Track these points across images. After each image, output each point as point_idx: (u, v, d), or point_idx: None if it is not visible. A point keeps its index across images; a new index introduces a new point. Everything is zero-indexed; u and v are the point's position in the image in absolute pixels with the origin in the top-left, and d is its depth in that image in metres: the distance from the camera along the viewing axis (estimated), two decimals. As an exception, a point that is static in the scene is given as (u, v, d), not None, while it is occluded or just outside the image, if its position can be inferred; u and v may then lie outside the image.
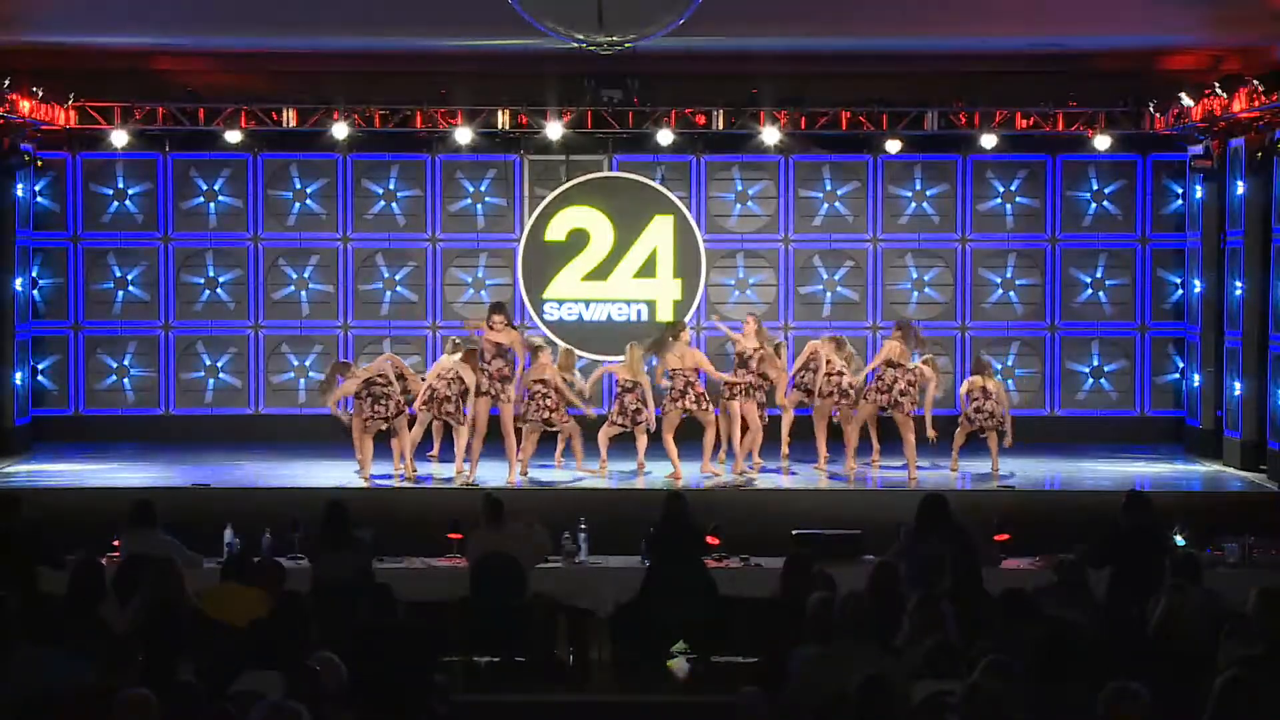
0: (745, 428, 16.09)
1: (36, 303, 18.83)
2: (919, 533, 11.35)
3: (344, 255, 19.04)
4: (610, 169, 18.96)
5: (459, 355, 15.69)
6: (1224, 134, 17.29)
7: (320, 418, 18.36)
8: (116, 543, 12.03)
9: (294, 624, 8.52)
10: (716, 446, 16.12)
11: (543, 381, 15.79)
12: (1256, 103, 15.79)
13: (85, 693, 7.54)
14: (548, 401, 15.75)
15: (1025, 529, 13.14)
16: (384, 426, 15.59)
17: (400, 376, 15.72)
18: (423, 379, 15.92)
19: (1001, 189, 19.05)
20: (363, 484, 15.51)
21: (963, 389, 16.47)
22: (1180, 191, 18.88)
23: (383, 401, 15.51)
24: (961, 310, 18.98)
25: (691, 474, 15.90)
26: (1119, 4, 15.42)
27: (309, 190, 19.06)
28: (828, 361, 16.10)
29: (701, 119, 18.16)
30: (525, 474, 15.89)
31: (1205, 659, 8.42)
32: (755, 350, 16.06)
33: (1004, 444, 16.14)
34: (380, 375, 15.56)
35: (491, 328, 15.70)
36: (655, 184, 18.93)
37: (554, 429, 16.02)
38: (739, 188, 19.07)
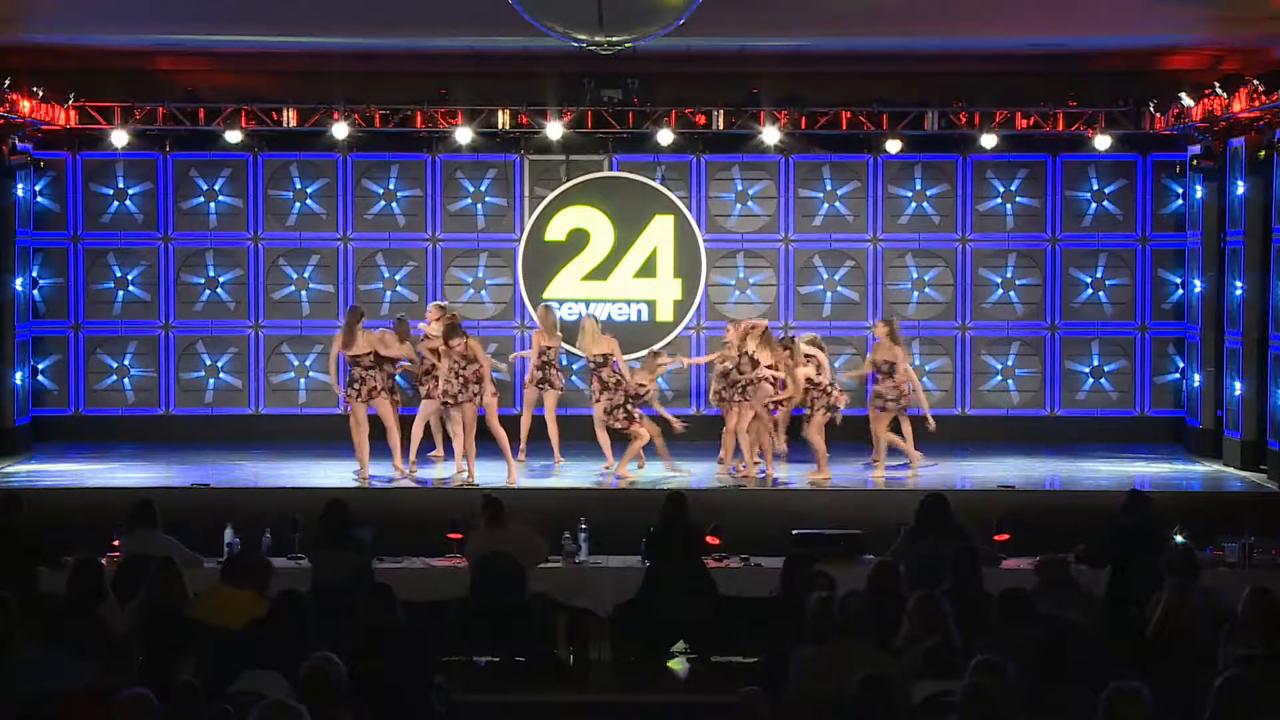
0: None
1: (36, 303, 18.83)
2: (919, 533, 11.37)
3: (344, 255, 19.05)
4: (610, 169, 18.96)
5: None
6: (1224, 134, 17.28)
7: (320, 417, 18.42)
8: (116, 543, 12.04)
9: (291, 623, 8.52)
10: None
11: (641, 384, 16.02)
12: (1256, 103, 15.78)
13: (85, 693, 7.55)
14: (620, 399, 15.97)
15: (1025, 529, 13.12)
16: (361, 403, 15.68)
17: (384, 361, 15.75)
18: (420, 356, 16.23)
19: (1001, 189, 19.05)
20: (363, 483, 15.55)
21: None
22: (1180, 191, 18.87)
23: (355, 385, 15.74)
24: (961, 310, 18.98)
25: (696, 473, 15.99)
26: (1119, 4, 15.42)
27: (309, 190, 19.06)
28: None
29: (701, 119, 18.15)
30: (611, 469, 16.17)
31: (1205, 659, 8.43)
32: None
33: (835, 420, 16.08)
34: (367, 355, 15.67)
35: (452, 349, 15.56)
36: (655, 184, 18.94)
37: (620, 428, 16.09)
38: (739, 188, 19.07)
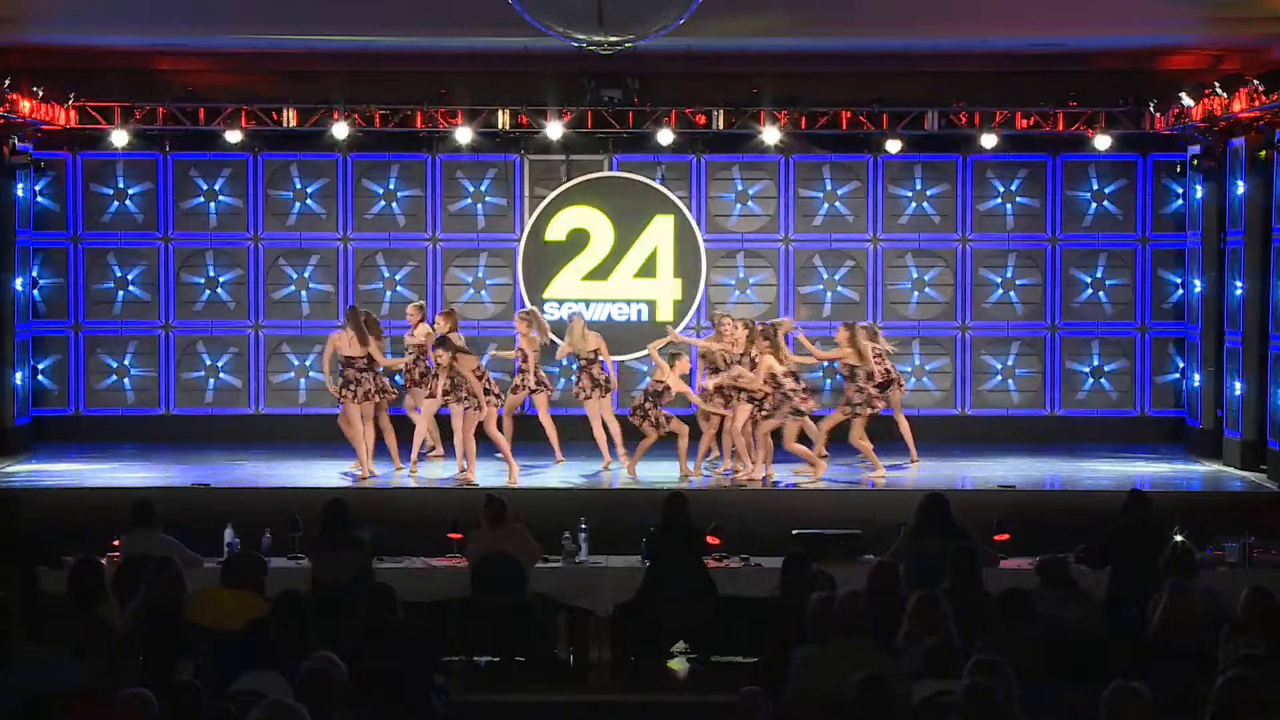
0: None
1: (36, 303, 18.83)
2: (919, 532, 11.37)
3: (344, 255, 19.05)
4: (610, 169, 18.96)
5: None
6: (1224, 134, 17.28)
7: (320, 417, 18.39)
8: (116, 543, 12.04)
9: (291, 623, 8.52)
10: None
11: (661, 382, 15.93)
12: (1256, 103, 15.78)
13: (85, 693, 7.55)
14: (639, 399, 15.97)
15: (1025, 529, 13.12)
16: (355, 404, 15.71)
17: (369, 367, 15.79)
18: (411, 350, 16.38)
19: (1001, 189, 19.05)
20: (362, 483, 15.55)
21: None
22: (1180, 191, 18.87)
23: (351, 386, 15.81)
24: (961, 310, 18.99)
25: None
26: (1119, 4, 15.42)
27: (309, 190, 19.06)
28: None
29: (701, 119, 18.15)
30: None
31: (1205, 659, 8.42)
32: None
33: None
34: (362, 357, 15.74)
35: (438, 360, 15.62)
36: (655, 184, 18.94)
37: (635, 425, 16.04)
38: (739, 188, 19.07)
